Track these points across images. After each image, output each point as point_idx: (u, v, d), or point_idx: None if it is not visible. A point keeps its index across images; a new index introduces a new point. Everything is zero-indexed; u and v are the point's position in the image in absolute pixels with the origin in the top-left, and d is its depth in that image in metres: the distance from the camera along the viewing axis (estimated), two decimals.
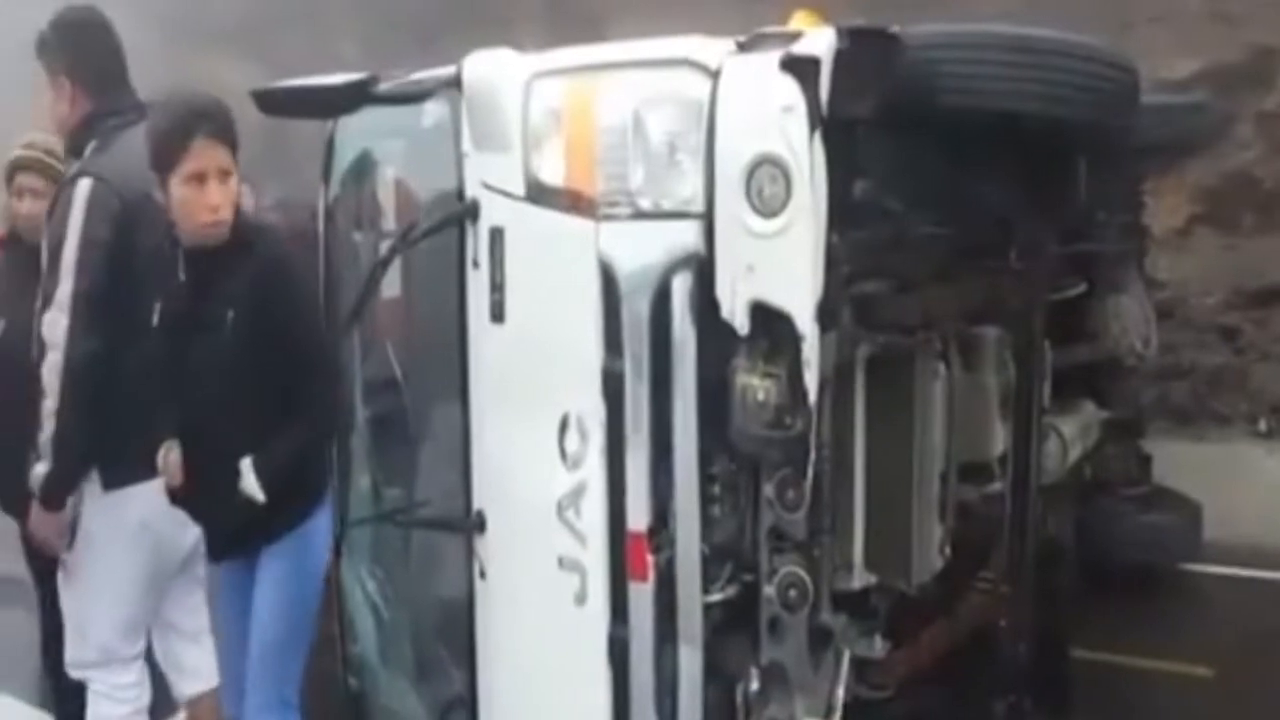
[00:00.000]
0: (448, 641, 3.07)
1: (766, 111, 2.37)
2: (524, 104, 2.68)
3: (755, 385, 2.44)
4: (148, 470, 2.87)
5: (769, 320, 2.42)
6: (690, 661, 2.56)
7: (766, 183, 2.37)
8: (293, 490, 2.72)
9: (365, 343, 3.13)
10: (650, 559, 2.57)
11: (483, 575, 2.88)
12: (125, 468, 2.83)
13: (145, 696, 3.26)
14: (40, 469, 2.92)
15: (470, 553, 2.90)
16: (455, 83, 2.80)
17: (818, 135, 2.34)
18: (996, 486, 3.31)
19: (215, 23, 9.32)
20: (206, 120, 2.67)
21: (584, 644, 2.64)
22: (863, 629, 2.79)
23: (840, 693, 2.59)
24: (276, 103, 3.15)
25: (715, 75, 2.46)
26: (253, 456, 2.66)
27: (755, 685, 2.56)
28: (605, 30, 6.47)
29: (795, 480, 2.47)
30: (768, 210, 2.38)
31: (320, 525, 2.85)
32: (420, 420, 3.24)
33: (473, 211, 2.80)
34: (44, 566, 3.37)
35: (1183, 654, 4.15)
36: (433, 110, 2.94)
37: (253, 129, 3.17)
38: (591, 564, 2.63)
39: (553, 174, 2.66)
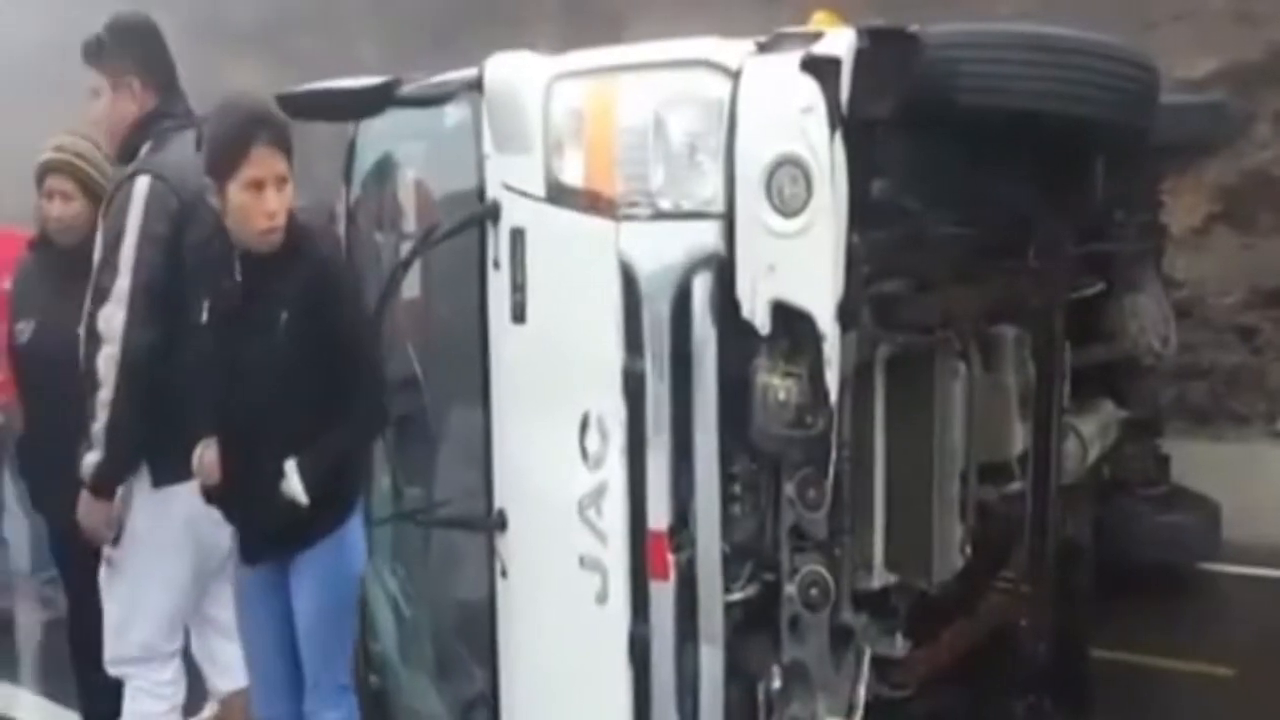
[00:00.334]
0: (469, 640, 3.08)
1: (787, 112, 2.38)
2: (545, 106, 2.70)
3: (776, 385, 2.45)
4: (191, 469, 2.90)
5: (790, 320, 2.42)
6: (711, 660, 2.57)
7: (787, 183, 2.38)
8: (332, 494, 2.73)
9: (387, 343, 3.15)
10: (671, 558, 2.57)
11: (504, 574, 2.89)
12: (175, 465, 2.85)
13: (181, 693, 3.30)
14: (92, 458, 2.96)
15: (491, 552, 2.91)
16: (476, 85, 2.82)
17: (838, 135, 2.35)
18: (1016, 486, 3.31)
19: (233, 25, 9.35)
20: (265, 127, 2.67)
21: (605, 643, 2.65)
22: (883, 628, 2.80)
23: (862, 691, 2.60)
24: (300, 106, 3.17)
25: (735, 76, 2.47)
26: (298, 458, 2.66)
27: (777, 684, 2.56)
28: (623, 31, 6.47)
29: (816, 479, 2.48)
30: (788, 210, 2.39)
31: (354, 526, 2.86)
32: (441, 420, 3.25)
33: (494, 212, 2.81)
34: (76, 565, 3.40)
35: (1202, 654, 4.13)
36: (454, 112, 2.96)
37: None
38: (612, 563, 2.64)
39: (573, 175, 2.67)
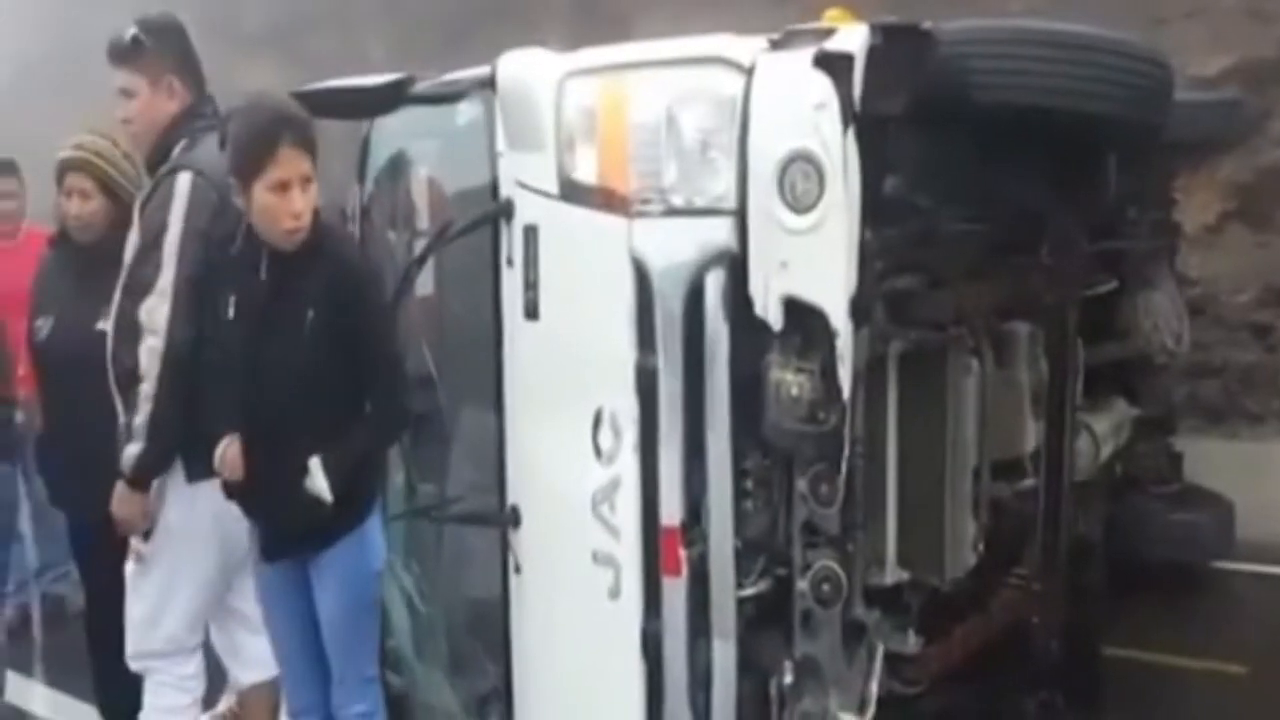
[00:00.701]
0: (483, 636, 3.09)
1: (799, 108, 2.38)
2: (557, 103, 2.71)
3: (789, 381, 2.46)
4: None
5: (802, 316, 2.43)
6: (724, 656, 2.58)
7: (799, 179, 2.39)
8: (353, 492, 2.74)
9: (401, 341, 3.16)
10: (684, 554, 2.58)
11: (518, 570, 2.91)
12: (209, 460, 2.87)
13: (202, 686, 3.32)
14: (133, 449, 2.98)
15: (505, 548, 2.92)
16: (489, 83, 2.83)
17: (851, 131, 2.35)
18: (1029, 483, 3.31)
19: (245, 25, 9.38)
20: (291, 128, 2.67)
21: (618, 638, 2.66)
22: (896, 624, 2.81)
23: (874, 687, 2.60)
24: (315, 104, 3.17)
25: (748, 72, 2.47)
26: (323, 455, 2.66)
27: (789, 679, 2.57)
28: (633, 28, 6.47)
29: (829, 475, 2.49)
30: (801, 206, 2.39)
31: (374, 523, 2.87)
32: (454, 417, 3.26)
33: (507, 210, 2.82)
34: (96, 559, 3.42)
35: (1215, 652, 4.11)
36: (467, 110, 2.97)
37: None
38: (625, 559, 2.64)
39: (586, 172, 2.68)
